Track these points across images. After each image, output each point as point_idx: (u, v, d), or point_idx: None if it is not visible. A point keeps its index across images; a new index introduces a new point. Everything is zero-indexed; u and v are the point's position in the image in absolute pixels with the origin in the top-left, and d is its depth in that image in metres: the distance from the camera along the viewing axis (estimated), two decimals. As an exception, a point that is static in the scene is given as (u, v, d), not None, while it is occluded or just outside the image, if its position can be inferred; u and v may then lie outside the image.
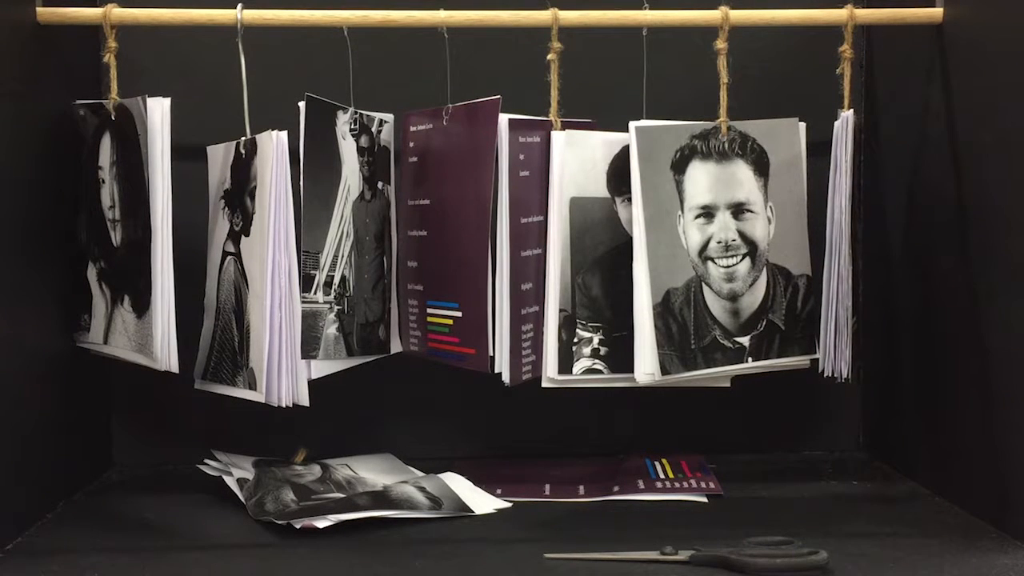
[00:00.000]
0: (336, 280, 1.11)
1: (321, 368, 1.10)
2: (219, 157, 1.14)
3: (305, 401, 1.08)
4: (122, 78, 1.09)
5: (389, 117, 1.16)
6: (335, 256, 1.10)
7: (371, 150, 1.14)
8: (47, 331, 1.10)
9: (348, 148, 1.11)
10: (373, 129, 1.14)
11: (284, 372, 1.07)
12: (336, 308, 1.11)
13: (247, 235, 1.09)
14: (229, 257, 1.12)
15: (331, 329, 1.10)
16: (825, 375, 1.13)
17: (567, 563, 0.95)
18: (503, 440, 1.28)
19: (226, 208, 1.12)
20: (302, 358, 1.08)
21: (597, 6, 1.11)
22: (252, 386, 1.08)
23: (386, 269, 1.16)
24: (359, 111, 1.12)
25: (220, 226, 1.13)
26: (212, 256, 1.14)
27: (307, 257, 1.08)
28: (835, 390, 1.18)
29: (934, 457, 1.13)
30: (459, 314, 1.11)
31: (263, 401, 1.08)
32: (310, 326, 1.08)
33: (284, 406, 1.08)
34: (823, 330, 1.12)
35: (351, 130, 1.12)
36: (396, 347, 1.19)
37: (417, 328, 1.16)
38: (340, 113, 1.11)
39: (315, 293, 1.09)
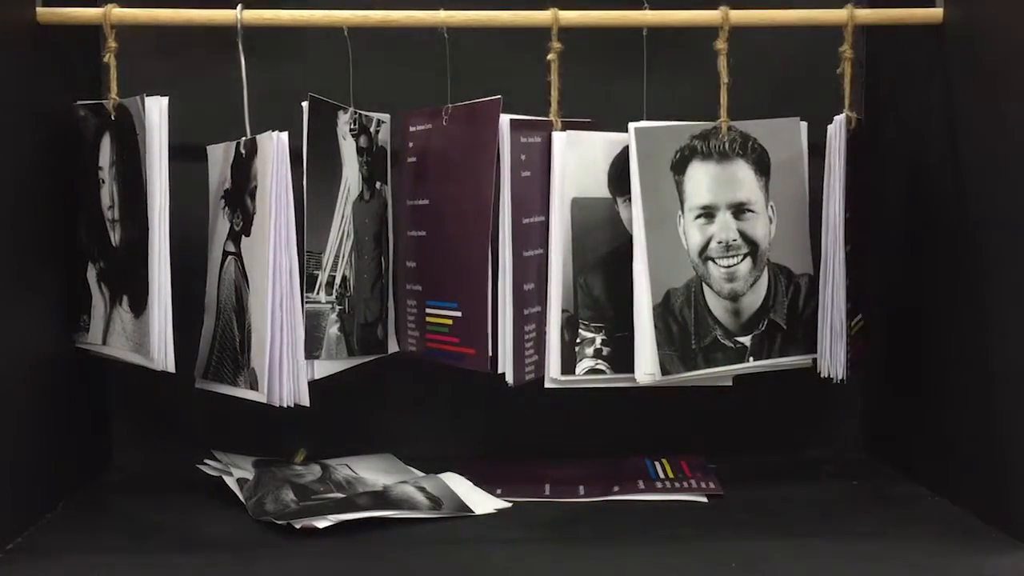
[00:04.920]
0: (337, 280, 1.11)
1: (323, 368, 1.10)
2: (219, 157, 1.14)
3: (306, 401, 1.08)
4: (122, 78, 1.09)
5: (386, 117, 1.16)
6: (336, 256, 1.10)
7: (370, 150, 1.14)
8: (47, 331, 1.10)
9: (348, 148, 1.11)
10: (372, 129, 1.14)
11: (285, 372, 1.07)
12: (337, 308, 1.11)
13: (247, 235, 1.09)
14: (230, 257, 1.12)
15: (333, 329, 1.10)
16: (822, 376, 1.13)
17: (567, 563, 0.95)
18: (503, 440, 1.28)
19: (226, 208, 1.12)
20: (305, 358, 1.08)
21: (597, 6, 1.11)
22: (254, 386, 1.08)
23: (384, 269, 1.16)
24: (358, 111, 1.12)
25: (220, 226, 1.13)
26: (213, 256, 1.14)
27: (310, 257, 1.08)
28: (835, 390, 1.18)
29: (934, 457, 1.13)
30: (458, 314, 1.11)
31: (265, 401, 1.08)
32: (313, 326, 1.08)
33: (286, 406, 1.08)
34: (819, 332, 1.12)
35: (351, 130, 1.12)
36: (393, 347, 1.19)
37: (416, 328, 1.16)
38: (340, 113, 1.11)
39: (318, 293, 1.09)
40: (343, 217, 1.11)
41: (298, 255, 1.07)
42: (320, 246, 1.09)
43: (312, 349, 1.09)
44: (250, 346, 1.09)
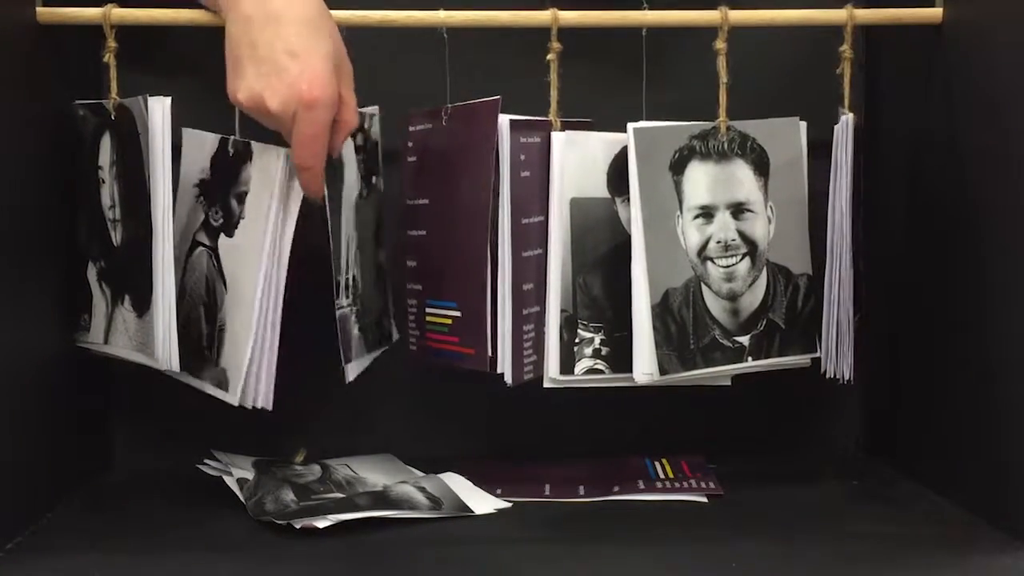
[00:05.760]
0: (351, 281, 1.11)
1: (353, 370, 1.11)
2: (198, 143, 1.12)
3: (269, 405, 1.08)
4: (122, 78, 1.09)
5: (374, 109, 1.15)
6: (348, 258, 1.11)
7: (365, 147, 1.14)
8: (47, 331, 1.10)
9: (347, 148, 1.11)
10: (365, 125, 1.14)
11: (264, 377, 1.07)
12: (356, 309, 1.11)
13: (229, 235, 1.09)
14: (201, 248, 1.11)
15: (355, 330, 1.11)
16: (827, 376, 1.13)
17: (567, 563, 0.95)
18: (503, 440, 1.28)
19: (202, 198, 1.12)
20: (345, 363, 1.09)
21: (597, 6, 1.11)
22: (221, 385, 1.09)
23: (382, 260, 1.16)
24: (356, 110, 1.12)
25: (192, 214, 1.12)
26: (179, 241, 1.13)
27: (335, 262, 1.08)
28: (835, 390, 1.18)
29: (934, 457, 1.13)
30: (458, 314, 1.11)
31: (236, 404, 1.08)
32: (344, 331, 1.09)
33: (257, 407, 1.08)
34: (824, 332, 1.12)
35: None
36: (396, 335, 1.19)
37: (416, 327, 1.16)
38: None
39: (341, 298, 1.09)
40: (348, 219, 1.11)
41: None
42: (338, 251, 1.09)
43: (347, 353, 1.09)
44: (221, 344, 1.09)
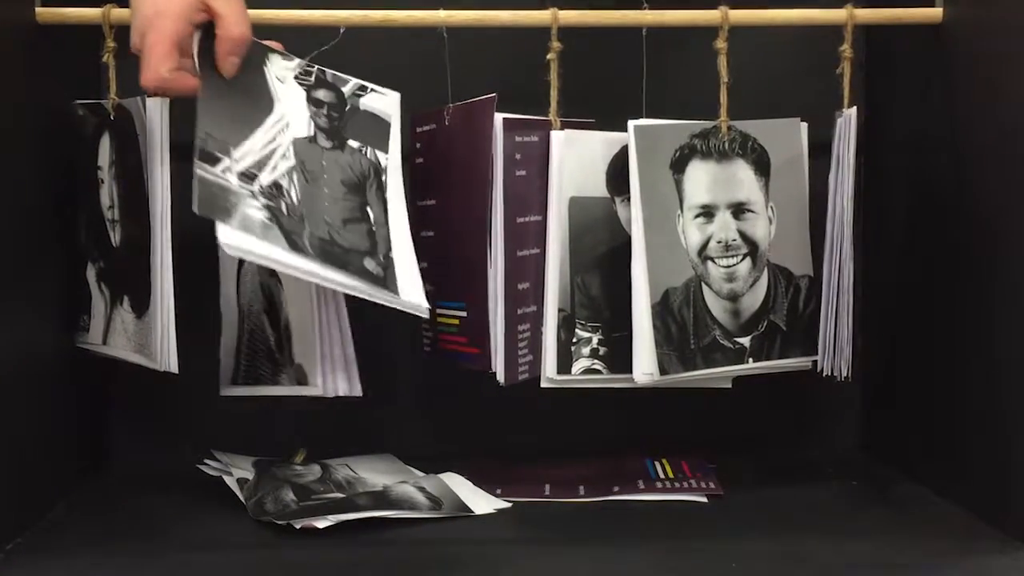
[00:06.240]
0: (264, 181, 1.03)
1: (246, 242, 1.00)
2: None
3: (359, 391, 1.10)
4: (121, 78, 1.09)
5: (387, 91, 1.12)
6: (261, 163, 1.04)
7: (336, 107, 1.09)
8: (47, 331, 1.10)
9: (289, 91, 1.06)
10: (344, 89, 1.10)
11: (338, 363, 1.08)
12: (263, 201, 1.03)
13: None
14: None
15: (252, 211, 1.01)
16: (824, 373, 1.13)
17: (567, 563, 0.95)
18: (503, 440, 1.28)
19: None
20: (199, 212, 0.99)
21: (598, 6, 1.11)
22: (302, 381, 1.10)
23: (375, 220, 1.09)
24: (318, 66, 1.08)
25: None
26: (226, 262, 1.13)
27: (208, 138, 1.00)
28: (835, 390, 1.18)
29: (934, 457, 1.13)
30: (465, 314, 1.11)
31: (320, 394, 1.09)
32: (214, 194, 1.00)
33: (340, 395, 1.10)
34: (822, 327, 1.12)
35: (297, 77, 1.08)
36: (414, 297, 1.08)
37: (430, 329, 1.16)
38: (278, 58, 1.06)
39: (224, 173, 1.01)
40: (274, 140, 1.05)
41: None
42: (229, 139, 1.02)
43: (212, 210, 0.98)
44: (291, 342, 1.09)
